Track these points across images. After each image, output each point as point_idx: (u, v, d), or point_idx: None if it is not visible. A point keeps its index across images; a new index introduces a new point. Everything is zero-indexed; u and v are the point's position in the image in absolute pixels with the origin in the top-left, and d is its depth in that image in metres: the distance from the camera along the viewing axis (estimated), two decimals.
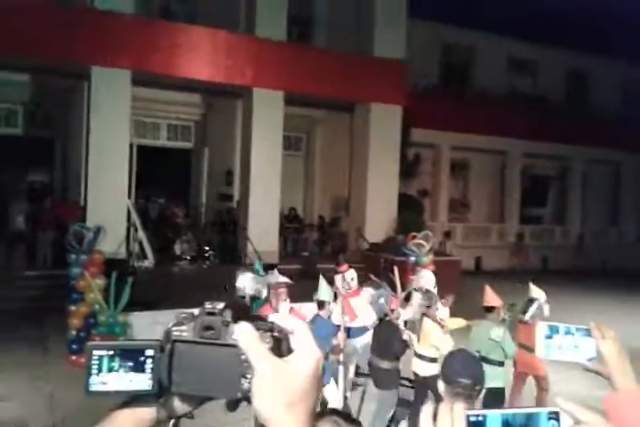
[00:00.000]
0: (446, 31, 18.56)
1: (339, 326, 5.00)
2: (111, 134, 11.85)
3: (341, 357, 4.90)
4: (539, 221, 21.61)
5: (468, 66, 20.01)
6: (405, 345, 5.07)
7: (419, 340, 5.05)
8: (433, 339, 4.92)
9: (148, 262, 11.17)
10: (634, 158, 21.87)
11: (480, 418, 0.74)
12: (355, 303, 6.07)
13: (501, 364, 4.95)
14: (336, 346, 4.88)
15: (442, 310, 5.58)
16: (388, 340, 5.06)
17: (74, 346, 6.77)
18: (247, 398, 0.63)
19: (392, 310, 5.48)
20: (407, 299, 5.88)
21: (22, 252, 11.38)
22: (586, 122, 19.77)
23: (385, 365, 5.03)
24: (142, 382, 0.68)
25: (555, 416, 0.78)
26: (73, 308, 6.90)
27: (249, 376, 0.63)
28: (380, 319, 5.48)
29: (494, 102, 18.59)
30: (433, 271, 10.14)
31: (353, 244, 15.34)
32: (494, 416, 0.75)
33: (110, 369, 0.68)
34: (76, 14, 11.65)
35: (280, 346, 0.66)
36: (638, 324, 9.43)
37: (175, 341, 0.68)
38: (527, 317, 5.35)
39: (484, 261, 18.38)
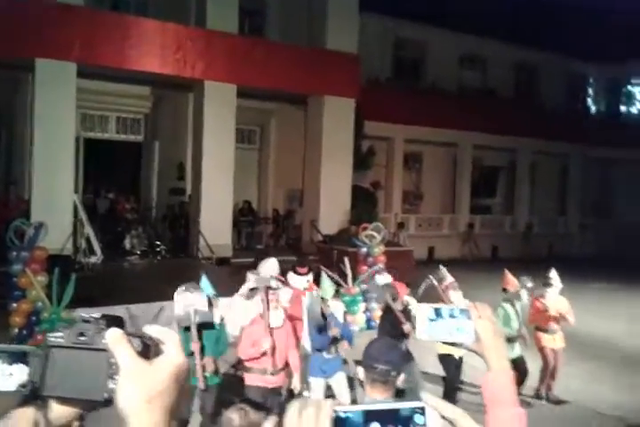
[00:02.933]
0: (398, 26, 18.76)
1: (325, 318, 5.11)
2: (56, 128, 11.56)
3: (344, 349, 5.00)
4: (488, 211, 22.20)
5: (420, 60, 20.29)
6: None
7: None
8: None
9: (96, 258, 10.98)
10: (579, 150, 22.65)
11: (345, 415, 0.75)
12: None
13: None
14: (342, 342, 5.01)
15: (454, 295, 5.87)
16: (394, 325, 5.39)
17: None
18: (111, 399, 0.68)
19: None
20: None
21: None
22: (533, 115, 20.35)
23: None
24: (17, 383, 0.75)
25: (420, 411, 0.79)
26: (14, 305, 6.76)
27: (116, 377, 0.68)
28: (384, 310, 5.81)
29: (445, 96, 18.93)
30: (385, 263, 10.37)
31: (307, 236, 15.45)
32: (358, 413, 0.75)
33: None
34: (23, 5, 11.29)
35: (148, 351, 0.71)
36: (582, 305, 9.95)
37: (50, 346, 0.73)
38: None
39: (437, 250, 18.78)
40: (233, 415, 1.68)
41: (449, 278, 6.11)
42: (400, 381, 2.57)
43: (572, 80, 23.89)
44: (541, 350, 6.50)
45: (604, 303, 12.07)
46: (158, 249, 12.47)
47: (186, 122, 14.49)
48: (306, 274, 6.54)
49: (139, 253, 12.25)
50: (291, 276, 6.58)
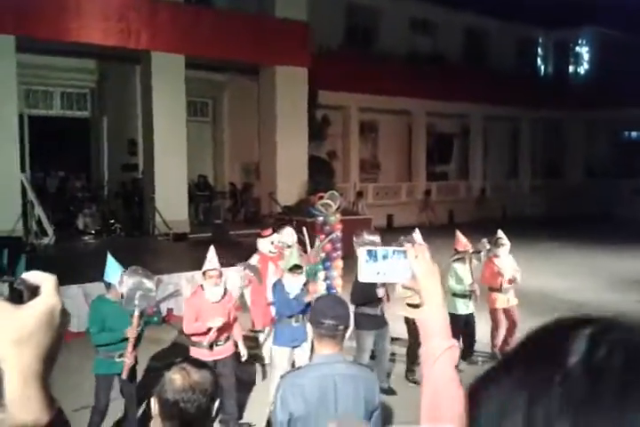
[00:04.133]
0: None
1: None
2: None
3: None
4: (444, 177, 22.54)
5: (372, 27, 20.11)
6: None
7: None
8: None
9: (49, 239, 10.70)
10: (530, 115, 23.08)
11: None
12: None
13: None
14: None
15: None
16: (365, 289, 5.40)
17: None
18: None
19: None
20: None
21: None
22: (483, 80, 20.54)
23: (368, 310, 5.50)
24: None
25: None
26: None
27: None
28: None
29: (398, 63, 18.88)
30: (342, 230, 10.46)
31: (266, 209, 15.39)
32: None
33: None
34: None
35: (22, 296, 0.70)
36: (533, 263, 10.36)
37: None
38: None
39: (396, 218, 19.03)
40: (175, 376, 1.67)
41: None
42: (347, 335, 2.63)
43: (521, 44, 24.16)
44: (493, 311, 6.71)
45: (552, 261, 12.55)
46: (113, 227, 12.22)
47: (134, 96, 14.06)
48: (269, 235, 6.54)
49: (93, 232, 11.98)
50: (258, 241, 6.64)
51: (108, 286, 4.55)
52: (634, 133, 24.70)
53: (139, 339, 4.43)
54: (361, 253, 1.35)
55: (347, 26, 19.43)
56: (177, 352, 6.46)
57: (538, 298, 8.75)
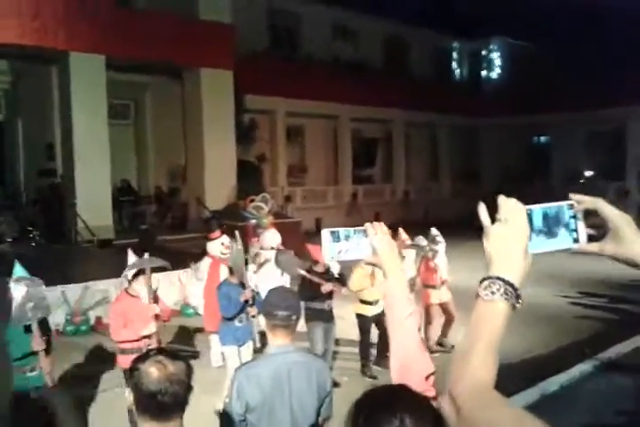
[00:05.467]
0: None
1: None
2: None
3: (254, 312, 4.93)
4: (369, 180, 23.07)
5: (295, 31, 20.31)
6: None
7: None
8: None
9: None
10: (447, 121, 24.09)
11: (528, 211, 1.00)
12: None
13: None
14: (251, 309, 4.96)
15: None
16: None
17: None
18: None
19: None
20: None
21: None
22: (403, 88, 21.27)
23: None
24: None
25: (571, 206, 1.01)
26: None
27: None
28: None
29: (322, 68, 19.18)
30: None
31: (194, 213, 15.13)
32: (537, 210, 1.00)
33: None
34: None
35: None
36: (459, 261, 10.84)
37: None
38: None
39: (324, 221, 19.24)
40: (151, 369, 1.67)
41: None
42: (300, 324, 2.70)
43: (438, 53, 25.20)
44: (428, 307, 6.96)
45: (476, 259, 13.13)
46: (31, 235, 11.60)
47: (51, 98, 13.43)
48: (219, 237, 6.47)
49: (10, 240, 11.32)
50: (207, 244, 6.56)
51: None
52: (542, 138, 26.30)
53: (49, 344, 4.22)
54: (325, 234, 1.43)
55: (270, 30, 19.52)
56: (105, 360, 6.27)
57: (465, 294, 9.13)
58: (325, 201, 20.31)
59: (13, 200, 13.17)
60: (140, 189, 15.76)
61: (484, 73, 27.11)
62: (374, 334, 6.33)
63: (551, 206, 1.02)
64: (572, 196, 1.01)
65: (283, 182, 19.20)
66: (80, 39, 12.53)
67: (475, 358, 0.93)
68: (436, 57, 25.08)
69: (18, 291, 4.04)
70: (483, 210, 1.02)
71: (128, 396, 1.74)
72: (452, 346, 6.91)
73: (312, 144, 21.05)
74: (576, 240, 1.00)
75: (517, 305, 0.96)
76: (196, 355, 6.72)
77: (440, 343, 7.02)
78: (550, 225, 1.01)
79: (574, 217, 1.00)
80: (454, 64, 26.98)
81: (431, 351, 6.91)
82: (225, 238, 6.35)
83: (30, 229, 11.67)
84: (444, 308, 6.99)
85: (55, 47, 12.33)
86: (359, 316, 6.24)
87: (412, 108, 21.54)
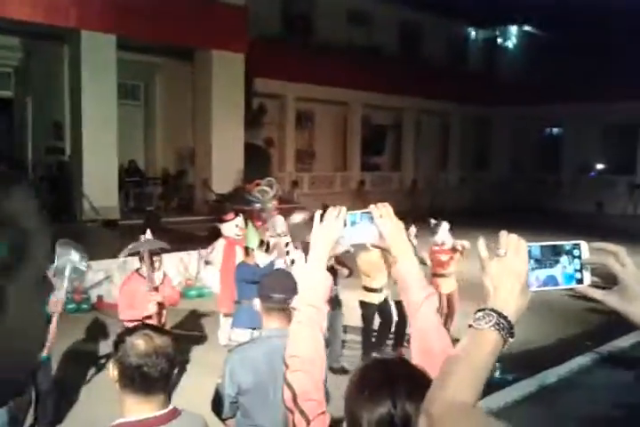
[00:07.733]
0: None
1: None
2: None
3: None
4: (378, 168, 22.95)
5: (309, 16, 20.07)
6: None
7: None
8: None
9: None
10: (460, 110, 23.84)
11: (529, 248, 0.98)
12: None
13: None
14: None
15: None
16: None
17: None
18: None
19: None
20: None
21: None
22: (417, 75, 21.02)
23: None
24: None
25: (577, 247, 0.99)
26: None
27: None
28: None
29: (335, 53, 18.97)
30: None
31: (200, 196, 15.13)
32: (539, 247, 0.99)
33: None
34: None
35: None
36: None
37: None
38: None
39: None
40: (138, 341, 1.66)
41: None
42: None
43: (453, 40, 24.85)
44: (439, 297, 6.95)
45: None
46: None
47: (62, 76, 13.39)
48: (233, 219, 6.45)
49: None
50: (221, 226, 6.55)
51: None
52: (555, 130, 26.03)
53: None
54: None
55: (284, 15, 19.30)
56: (105, 337, 6.31)
57: (471, 284, 9.09)
58: (333, 187, 20.25)
59: None
60: (147, 171, 15.75)
61: (499, 62, 26.74)
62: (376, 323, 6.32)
63: (555, 244, 1.00)
64: (592, 244, 1.00)
65: (290, 168, 19.13)
66: (92, 18, 12.45)
67: (454, 380, 0.92)
68: (451, 44, 24.72)
69: (65, 249, 4.16)
70: (482, 244, 1.03)
71: (112, 370, 1.73)
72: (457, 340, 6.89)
73: (321, 130, 20.93)
74: (579, 281, 0.99)
75: (510, 340, 0.96)
76: (200, 338, 6.76)
77: None
78: (552, 263, 0.99)
79: (579, 257, 0.99)
80: (469, 52, 26.62)
81: None
82: (239, 220, 6.35)
83: None
84: (448, 299, 6.95)
85: (66, 25, 12.26)
86: (362, 303, 6.19)
87: (425, 95, 21.30)
